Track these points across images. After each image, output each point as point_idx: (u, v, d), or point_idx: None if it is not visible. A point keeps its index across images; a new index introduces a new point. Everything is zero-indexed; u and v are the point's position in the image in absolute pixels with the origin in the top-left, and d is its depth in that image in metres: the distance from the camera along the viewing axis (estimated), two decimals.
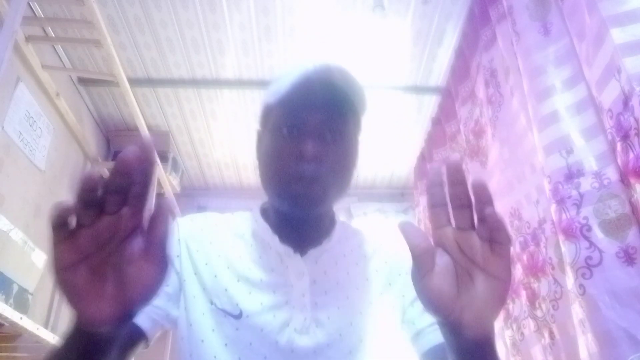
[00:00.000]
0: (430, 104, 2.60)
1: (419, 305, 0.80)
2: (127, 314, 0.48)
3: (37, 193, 2.07)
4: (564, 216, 1.21)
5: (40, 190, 2.09)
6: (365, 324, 0.78)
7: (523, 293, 1.52)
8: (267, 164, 0.78)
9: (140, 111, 2.35)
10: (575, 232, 1.17)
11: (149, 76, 2.45)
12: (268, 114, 0.81)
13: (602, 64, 1.14)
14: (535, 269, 1.46)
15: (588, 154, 1.20)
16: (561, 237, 1.22)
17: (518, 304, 1.56)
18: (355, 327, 0.77)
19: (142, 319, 0.73)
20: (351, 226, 0.93)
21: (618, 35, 1.09)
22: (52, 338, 1.66)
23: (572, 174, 1.22)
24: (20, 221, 1.92)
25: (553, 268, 1.37)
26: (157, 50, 2.30)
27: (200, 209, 3.20)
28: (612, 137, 1.13)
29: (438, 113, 2.42)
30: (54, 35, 2.15)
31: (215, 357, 0.72)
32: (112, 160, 2.71)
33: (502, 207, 1.66)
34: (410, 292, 0.82)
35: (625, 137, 1.07)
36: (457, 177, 0.53)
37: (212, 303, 0.75)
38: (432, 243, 0.54)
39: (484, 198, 0.50)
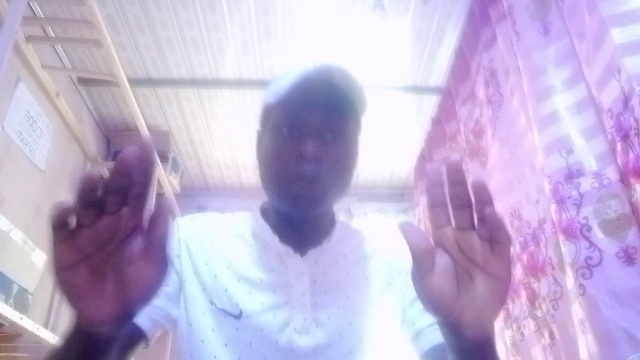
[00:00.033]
0: (430, 104, 2.60)
1: (419, 305, 0.80)
2: (127, 314, 0.48)
3: (37, 193, 2.07)
4: (564, 216, 1.21)
5: (40, 190, 2.09)
6: (365, 324, 0.78)
7: (523, 293, 1.52)
8: (267, 164, 0.78)
9: (140, 111, 2.35)
10: (575, 232, 1.17)
11: (149, 76, 2.45)
12: (268, 114, 0.81)
13: (602, 64, 1.14)
14: (535, 269, 1.46)
15: (588, 154, 1.20)
16: (561, 237, 1.22)
17: (518, 304, 1.56)
18: (355, 327, 0.77)
19: (142, 319, 0.73)
20: (351, 226, 0.93)
21: (618, 35, 1.09)
22: (52, 338, 1.66)
23: (572, 174, 1.22)
24: (20, 221, 1.92)
25: (553, 268, 1.37)
26: (157, 50, 2.30)
27: (200, 209, 3.20)
28: (612, 137, 1.13)
29: (438, 113, 2.42)
30: (54, 35, 2.15)
31: (215, 357, 0.72)
32: (112, 160, 2.71)
33: (502, 207, 1.66)
34: (410, 292, 0.82)
35: (625, 137, 1.07)
36: (457, 177, 0.53)
37: (212, 303, 0.75)
38: (432, 243, 0.54)
39: (484, 198, 0.50)
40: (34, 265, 1.96)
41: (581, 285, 1.13)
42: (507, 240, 0.50)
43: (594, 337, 1.09)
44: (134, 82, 2.34)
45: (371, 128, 2.70)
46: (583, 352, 1.13)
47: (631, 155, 1.06)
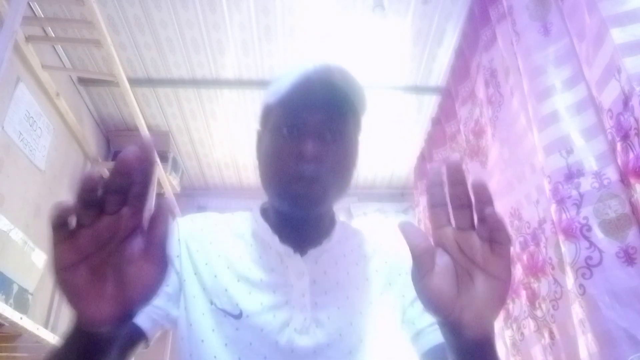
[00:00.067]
0: (430, 104, 2.60)
1: (419, 305, 0.80)
2: (127, 314, 0.48)
3: (37, 193, 2.07)
4: (564, 216, 1.21)
5: (40, 190, 2.09)
6: (365, 324, 0.78)
7: (523, 293, 1.52)
8: (267, 164, 0.78)
9: (140, 111, 2.35)
10: (575, 232, 1.17)
11: (149, 76, 2.45)
12: (268, 113, 0.81)
13: (602, 64, 1.14)
14: (535, 269, 1.46)
15: (588, 154, 1.20)
16: (561, 237, 1.22)
17: (518, 304, 1.56)
18: (355, 327, 0.77)
19: (142, 319, 0.73)
20: (351, 226, 0.93)
21: (618, 35, 1.09)
22: (52, 338, 1.66)
23: (572, 174, 1.22)
24: (20, 221, 1.92)
25: (553, 268, 1.37)
26: (157, 50, 2.30)
27: (200, 209, 3.20)
28: (612, 137, 1.13)
29: (438, 113, 2.42)
30: (54, 35, 2.15)
31: (215, 357, 0.72)
32: (112, 160, 2.70)
33: (502, 207, 1.66)
34: (410, 292, 0.82)
35: (625, 137, 1.07)
36: (457, 177, 0.53)
37: (212, 303, 0.75)
38: (432, 243, 0.54)
39: (484, 198, 0.50)
40: (34, 265, 1.96)
41: (581, 285, 1.13)
42: (507, 240, 0.50)
43: (594, 337, 1.09)
44: (134, 82, 2.34)
45: (371, 128, 2.70)
46: (583, 352, 1.13)
47: (631, 155, 1.06)
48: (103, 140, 2.77)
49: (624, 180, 1.11)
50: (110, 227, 0.46)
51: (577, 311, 1.15)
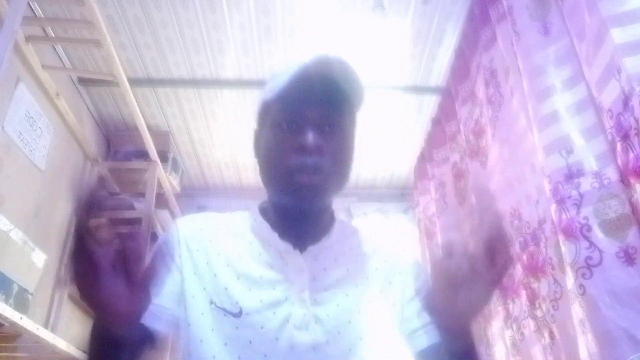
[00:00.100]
0: (430, 104, 2.60)
1: (416, 304, 0.80)
2: (140, 312, 0.56)
3: (37, 193, 2.07)
4: (564, 216, 1.21)
5: (40, 190, 2.09)
6: (364, 322, 0.78)
7: (523, 293, 1.52)
8: (268, 158, 0.79)
9: (140, 111, 2.35)
10: (575, 232, 1.17)
11: (149, 76, 2.45)
12: (266, 110, 0.82)
13: (602, 64, 1.14)
14: (535, 269, 1.46)
15: (588, 154, 1.20)
16: (561, 237, 1.22)
17: (518, 304, 1.56)
18: (354, 324, 0.77)
19: (149, 319, 0.73)
20: (351, 225, 0.93)
21: (618, 35, 1.09)
22: (52, 338, 1.66)
23: (572, 174, 1.22)
24: (20, 221, 1.92)
25: (553, 268, 1.37)
26: (157, 50, 2.30)
27: (200, 209, 3.20)
28: (612, 137, 1.13)
29: (438, 113, 2.42)
30: (54, 35, 2.15)
31: (214, 357, 0.72)
32: (112, 160, 2.70)
33: (502, 207, 1.66)
34: (409, 290, 0.82)
35: (625, 137, 1.07)
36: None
37: (211, 302, 0.75)
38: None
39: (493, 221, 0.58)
40: (34, 265, 1.96)
41: (581, 285, 1.13)
42: (509, 262, 0.55)
43: (594, 337, 1.09)
44: (134, 82, 2.34)
45: (371, 128, 2.70)
46: (583, 352, 1.13)
47: (631, 155, 1.06)
48: (103, 140, 2.77)
49: (624, 180, 1.11)
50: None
51: (577, 311, 1.15)
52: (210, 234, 0.82)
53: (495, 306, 1.71)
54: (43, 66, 2.04)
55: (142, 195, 2.46)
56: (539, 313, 1.44)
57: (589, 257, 1.12)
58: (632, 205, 1.08)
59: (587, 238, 1.14)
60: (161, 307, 0.74)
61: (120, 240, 0.56)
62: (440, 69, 2.40)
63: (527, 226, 1.52)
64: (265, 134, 0.81)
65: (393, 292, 0.83)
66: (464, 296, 0.61)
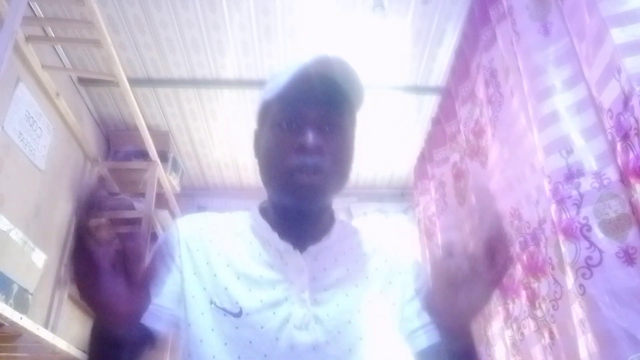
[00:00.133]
0: (430, 104, 2.60)
1: (415, 304, 0.80)
2: (141, 310, 0.57)
3: (37, 193, 2.06)
4: (564, 216, 1.21)
5: (40, 190, 2.09)
6: (364, 322, 0.78)
7: (523, 293, 1.52)
8: (268, 158, 0.79)
9: (140, 111, 2.35)
10: (575, 232, 1.17)
11: (149, 76, 2.45)
12: (266, 110, 0.82)
13: (602, 64, 1.14)
14: (535, 269, 1.46)
15: (588, 154, 1.20)
16: (561, 237, 1.22)
17: (518, 304, 1.56)
18: (354, 324, 0.77)
19: (149, 319, 0.73)
20: (351, 225, 0.93)
21: (618, 35, 1.09)
22: (52, 338, 1.66)
23: (572, 174, 1.22)
24: (20, 221, 1.92)
25: (553, 268, 1.37)
26: (157, 50, 2.30)
27: (200, 209, 3.20)
28: (612, 137, 1.13)
29: (438, 113, 2.42)
30: (54, 35, 2.15)
31: (214, 357, 0.72)
32: (112, 160, 2.70)
33: (502, 207, 1.66)
34: (409, 290, 0.82)
35: (625, 137, 1.07)
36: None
37: (211, 302, 0.75)
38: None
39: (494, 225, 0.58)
40: (34, 265, 1.96)
41: (581, 285, 1.13)
42: (509, 262, 0.55)
43: (594, 337, 1.09)
44: (134, 82, 2.34)
45: (371, 128, 2.70)
46: (583, 352, 1.13)
47: (631, 155, 1.06)
48: (103, 140, 2.77)
49: (624, 180, 1.11)
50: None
51: (577, 311, 1.15)
52: (210, 234, 0.82)
53: (495, 306, 1.71)
54: (43, 66, 2.04)
55: (142, 195, 2.46)
56: (539, 313, 1.44)
57: (589, 257, 1.12)
58: (632, 205, 1.08)
59: (587, 238, 1.14)
60: (161, 307, 0.74)
61: (120, 240, 0.56)
62: (440, 69, 2.40)
63: (527, 226, 1.52)
64: (265, 134, 0.81)
65: (393, 292, 0.83)
66: (464, 296, 0.61)
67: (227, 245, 0.81)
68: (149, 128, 2.48)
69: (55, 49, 2.25)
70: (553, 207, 1.26)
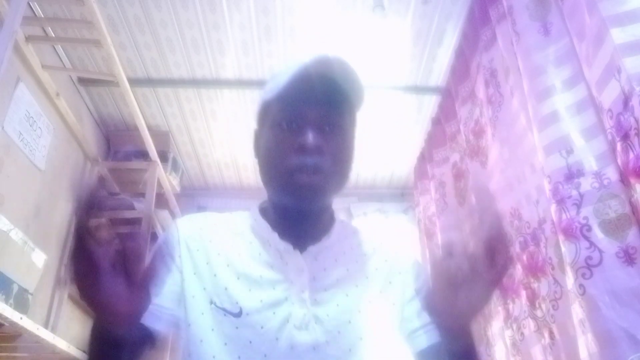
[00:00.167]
0: (430, 104, 2.60)
1: (415, 304, 0.80)
2: (140, 312, 0.58)
3: (37, 193, 2.06)
4: (564, 216, 1.21)
5: (40, 190, 2.09)
6: (364, 322, 0.78)
7: (523, 293, 1.52)
8: (268, 158, 0.79)
9: (140, 111, 2.35)
10: (575, 232, 1.17)
11: (149, 76, 2.45)
12: (266, 110, 0.82)
13: (602, 64, 1.14)
14: (535, 269, 1.46)
15: (588, 154, 1.20)
16: (561, 237, 1.22)
17: (518, 304, 1.56)
18: (354, 325, 0.77)
19: (149, 319, 0.73)
20: (351, 225, 0.93)
21: (618, 35, 1.09)
22: (52, 338, 1.66)
23: (572, 174, 1.22)
24: (20, 221, 1.92)
25: (553, 268, 1.37)
26: (157, 50, 2.30)
27: (200, 209, 3.20)
28: (612, 137, 1.13)
29: (438, 113, 2.42)
30: (54, 35, 2.15)
31: (214, 357, 0.72)
32: (112, 160, 2.70)
33: (502, 207, 1.66)
34: (409, 291, 0.82)
35: (625, 137, 1.07)
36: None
37: (211, 302, 0.75)
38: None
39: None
40: (34, 265, 1.96)
41: (581, 285, 1.13)
42: (510, 262, 0.56)
43: (594, 337, 1.09)
44: (134, 82, 2.34)
45: (371, 128, 2.70)
46: (583, 352, 1.13)
47: (631, 155, 1.06)
48: (103, 140, 2.77)
49: (624, 180, 1.11)
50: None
51: (577, 311, 1.15)
52: (210, 234, 0.82)
53: (495, 306, 1.71)
54: (43, 66, 2.04)
55: (142, 195, 2.46)
56: (539, 313, 1.44)
57: (589, 257, 1.12)
58: (632, 205, 1.08)
59: (587, 238, 1.14)
60: (161, 307, 0.74)
61: (120, 240, 0.56)
62: (440, 69, 2.40)
63: (527, 226, 1.52)
64: (265, 134, 0.81)
65: (393, 292, 0.83)
66: (463, 296, 0.61)
67: (227, 245, 0.81)
68: (149, 128, 2.48)
69: (55, 49, 2.25)
70: (553, 207, 1.26)
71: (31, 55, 1.95)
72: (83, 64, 2.37)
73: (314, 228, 0.83)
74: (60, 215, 2.26)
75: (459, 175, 2.15)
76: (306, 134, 0.75)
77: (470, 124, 1.98)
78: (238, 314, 0.74)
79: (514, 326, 1.58)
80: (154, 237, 2.39)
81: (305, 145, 0.74)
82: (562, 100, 1.30)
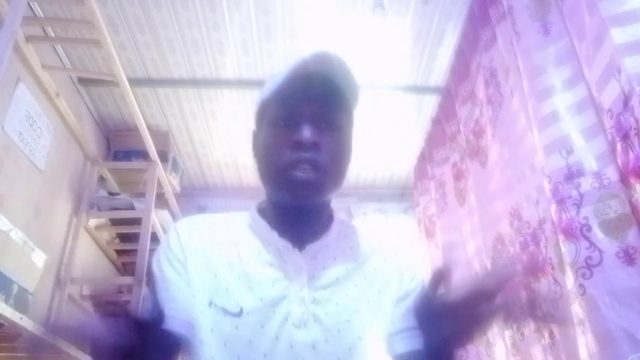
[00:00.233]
0: (430, 104, 2.60)
1: (403, 306, 0.80)
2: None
3: (37, 193, 2.06)
4: (564, 216, 1.21)
5: (40, 190, 2.09)
6: (363, 322, 0.78)
7: (523, 293, 1.52)
8: (265, 156, 0.80)
9: (140, 111, 2.35)
10: (575, 232, 1.17)
11: (149, 76, 2.45)
12: (264, 109, 0.83)
13: (602, 64, 1.14)
14: (535, 269, 1.46)
15: (588, 154, 1.20)
16: (561, 237, 1.22)
17: (518, 304, 1.56)
18: (353, 324, 0.77)
19: (174, 323, 0.73)
20: (350, 224, 0.94)
21: (618, 35, 1.09)
22: (52, 338, 1.65)
23: (572, 174, 1.22)
24: (20, 221, 1.91)
25: (553, 268, 1.37)
26: (157, 50, 2.30)
27: (200, 209, 3.20)
28: (612, 137, 1.13)
29: (438, 113, 2.42)
30: (54, 35, 2.15)
31: (213, 357, 0.72)
32: (112, 160, 2.71)
33: (502, 207, 1.66)
34: (401, 291, 0.82)
35: (625, 137, 1.07)
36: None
37: (211, 303, 0.75)
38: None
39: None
40: (34, 265, 1.96)
41: (581, 285, 1.13)
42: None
43: (594, 337, 1.09)
44: (134, 82, 2.34)
45: (371, 128, 2.70)
46: (583, 352, 1.13)
47: (631, 155, 1.06)
48: (103, 140, 2.77)
49: (624, 180, 1.11)
50: None
51: (577, 311, 1.15)
52: (209, 235, 0.82)
53: None
54: (43, 66, 2.04)
55: (142, 195, 2.46)
56: (539, 313, 1.44)
57: (589, 257, 1.12)
58: (632, 205, 1.08)
59: (587, 238, 1.14)
60: (180, 312, 0.74)
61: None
62: (440, 69, 2.40)
63: (527, 226, 1.52)
64: (263, 133, 0.82)
65: (392, 292, 0.83)
66: (452, 325, 0.67)
67: (226, 246, 0.81)
68: (149, 128, 2.48)
69: (55, 49, 2.25)
70: (553, 207, 1.26)
71: (31, 55, 1.95)
72: (83, 64, 2.37)
73: (312, 226, 0.83)
74: (60, 215, 2.26)
75: (459, 175, 2.15)
76: (302, 131, 0.75)
77: (470, 124, 1.98)
78: (238, 314, 0.74)
79: (514, 326, 1.58)
80: (154, 237, 2.39)
81: (301, 141, 0.74)
82: (562, 100, 1.30)
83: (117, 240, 2.73)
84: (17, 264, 1.86)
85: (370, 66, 2.35)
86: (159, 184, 2.58)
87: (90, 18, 1.80)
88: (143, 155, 2.57)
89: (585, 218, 1.16)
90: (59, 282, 2.22)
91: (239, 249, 0.81)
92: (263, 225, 0.83)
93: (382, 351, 0.79)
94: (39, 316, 2.06)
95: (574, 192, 1.20)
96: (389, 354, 0.79)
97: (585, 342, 1.12)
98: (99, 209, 2.44)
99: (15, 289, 1.80)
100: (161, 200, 2.68)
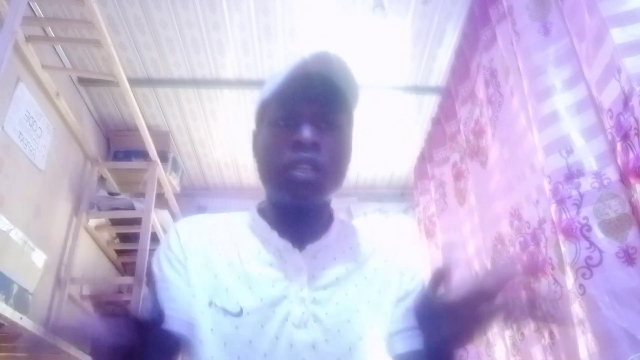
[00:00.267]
0: (430, 104, 2.60)
1: (403, 306, 0.80)
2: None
3: (37, 193, 2.06)
4: (564, 216, 1.21)
5: (40, 190, 2.09)
6: (364, 322, 0.78)
7: (523, 293, 1.52)
8: (265, 156, 0.80)
9: (140, 111, 2.35)
10: (575, 232, 1.17)
11: (149, 76, 2.45)
12: (264, 109, 0.83)
13: (602, 64, 1.14)
14: (535, 269, 1.46)
15: (588, 154, 1.20)
16: (561, 237, 1.22)
17: (518, 304, 1.56)
18: (353, 324, 0.77)
19: (174, 323, 0.73)
20: (350, 224, 0.94)
21: (618, 35, 1.09)
22: (52, 338, 1.65)
23: (572, 174, 1.22)
24: (20, 221, 1.91)
25: (553, 268, 1.37)
26: (157, 50, 2.30)
27: (200, 209, 3.20)
28: (612, 137, 1.13)
29: (438, 113, 2.42)
30: (54, 35, 2.15)
31: (213, 357, 0.72)
32: (112, 160, 2.71)
33: (502, 207, 1.66)
34: (401, 291, 0.82)
35: (625, 137, 1.07)
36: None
37: (211, 303, 0.75)
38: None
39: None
40: (34, 265, 1.96)
41: (581, 285, 1.13)
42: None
43: (594, 337, 1.09)
44: (134, 82, 2.34)
45: (371, 128, 2.70)
46: (583, 352, 1.13)
47: (631, 155, 1.06)
48: (103, 140, 2.77)
49: (624, 180, 1.11)
50: None
51: (577, 311, 1.15)
52: (209, 235, 0.82)
53: None
54: (43, 66, 2.04)
55: (142, 195, 2.46)
56: (539, 313, 1.44)
57: (589, 257, 1.12)
58: (632, 205, 1.08)
59: (587, 238, 1.14)
60: (180, 312, 0.74)
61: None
62: (440, 69, 2.40)
63: (527, 226, 1.52)
64: (263, 133, 0.82)
65: (392, 292, 0.83)
66: (452, 324, 0.67)
67: (226, 246, 0.81)
68: (149, 128, 2.48)
69: (55, 49, 2.25)
70: (553, 207, 1.26)
71: (31, 55, 1.95)
72: (83, 64, 2.37)
73: (312, 226, 0.83)
74: (60, 215, 2.26)
75: (459, 175, 2.15)
76: (302, 131, 0.75)
77: (470, 124, 1.98)
78: (238, 314, 0.74)
79: (514, 326, 1.58)
80: (154, 237, 2.39)
81: (301, 141, 0.74)
82: (562, 100, 1.30)
83: (117, 240, 2.73)
84: (17, 264, 1.86)
85: (370, 66, 2.35)
86: (159, 184, 2.58)
87: (90, 18, 1.80)
88: (143, 155, 2.57)
89: (585, 218, 1.16)
90: (59, 282, 2.22)
91: (239, 249, 0.81)
92: (263, 225, 0.83)
93: (382, 351, 0.79)
94: (39, 316, 2.06)
95: (574, 192, 1.20)
96: (389, 354, 0.79)
97: (585, 342, 1.12)
98: (99, 209, 2.44)
99: (15, 289, 1.80)
100: (161, 200, 2.68)
